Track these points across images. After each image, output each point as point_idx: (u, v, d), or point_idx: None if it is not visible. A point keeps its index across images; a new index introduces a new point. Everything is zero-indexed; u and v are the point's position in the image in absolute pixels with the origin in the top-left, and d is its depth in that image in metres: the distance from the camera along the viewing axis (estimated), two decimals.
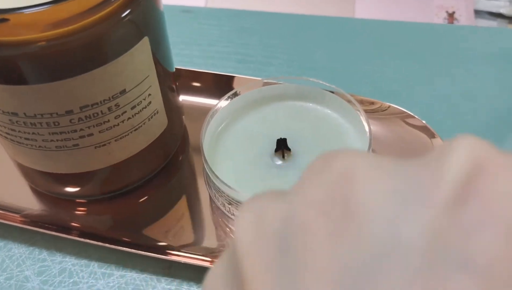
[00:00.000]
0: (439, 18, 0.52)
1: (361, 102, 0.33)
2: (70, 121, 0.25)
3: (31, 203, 0.32)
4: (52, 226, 0.31)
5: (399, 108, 0.34)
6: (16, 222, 0.31)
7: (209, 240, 0.30)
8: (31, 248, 0.30)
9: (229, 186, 0.27)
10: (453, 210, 0.11)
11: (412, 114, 0.33)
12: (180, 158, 0.34)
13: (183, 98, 0.35)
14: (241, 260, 0.13)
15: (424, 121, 0.33)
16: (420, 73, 0.39)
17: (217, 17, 0.44)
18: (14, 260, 0.30)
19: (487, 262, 0.10)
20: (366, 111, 0.30)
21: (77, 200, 0.32)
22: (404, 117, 0.34)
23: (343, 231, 0.12)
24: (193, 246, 0.30)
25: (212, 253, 0.29)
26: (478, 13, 0.53)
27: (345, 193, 0.12)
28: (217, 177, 0.27)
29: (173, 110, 0.31)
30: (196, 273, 0.29)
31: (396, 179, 0.12)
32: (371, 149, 0.28)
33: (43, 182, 0.31)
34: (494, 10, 0.49)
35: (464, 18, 0.51)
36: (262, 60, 0.40)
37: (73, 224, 0.31)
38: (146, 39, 0.26)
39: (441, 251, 0.11)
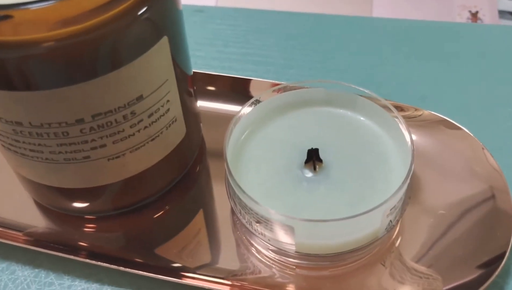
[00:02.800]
0: (462, 18, 0.50)
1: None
2: (81, 131, 0.23)
3: (36, 220, 0.29)
4: (58, 245, 0.28)
5: (435, 114, 0.31)
6: (19, 242, 0.28)
7: (231, 260, 0.27)
8: (37, 270, 0.27)
9: (257, 203, 0.24)
10: None
11: (452, 121, 0.31)
12: (197, 169, 0.31)
13: (199, 104, 0.32)
14: None
15: (466, 129, 0.30)
16: (447, 75, 0.36)
17: (232, 17, 0.41)
18: (18, 284, 0.27)
19: None
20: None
21: (86, 217, 0.29)
22: (440, 124, 0.31)
23: None
24: (212, 267, 0.27)
25: (233, 276, 0.27)
26: (500, 13, 0.50)
27: None
28: (244, 193, 0.24)
29: (191, 118, 0.28)
30: None
31: None
32: (413, 164, 0.25)
33: (49, 197, 0.28)
34: None
35: (488, 18, 0.49)
36: (282, 62, 0.37)
37: (82, 243, 0.28)
38: (165, 39, 0.23)
39: None
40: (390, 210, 0.24)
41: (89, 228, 0.29)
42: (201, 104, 0.33)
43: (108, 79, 0.21)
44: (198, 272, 0.27)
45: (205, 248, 0.28)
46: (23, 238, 0.28)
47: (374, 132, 0.28)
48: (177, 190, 0.30)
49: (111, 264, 0.27)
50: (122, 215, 0.29)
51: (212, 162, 0.32)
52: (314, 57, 0.37)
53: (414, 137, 0.29)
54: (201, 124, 0.31)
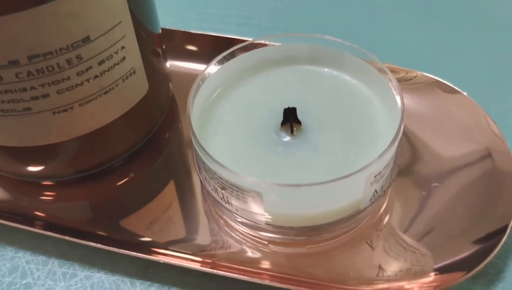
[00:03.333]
0: None
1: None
2: (17, 75, 0.20)
3: None
4: (8, 214, 0.25)
5: (430, 76, 0.28)
6: None
7: (199, 235, 0.24)
8: None
9: (221, 165, 0.21)
10: None
11: (448, 83, 0.27)
12: (167, 135, 0.28)
13: (173, 64, 0.29)
14: None
15: (465, 93, 0.27)
16: (446, 37, 0.33)
17: None
18: None
19: None
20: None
21: (43, 183, 0.26)
22: (435, 86, 0.28)
23: None
24: (180, 242, 0.24)
25: (202, 251, 0.24)
26: None
27: None
28: (207, 154, 0.21)
29: (157, 75, 0.25)
30: (181, 276, 0.23)
31: None
32: (402, 126, 0.22)
33: None
34: None
35: None
36: (267, 24, 0.34)
37: (36, 212, 0.25)
38: None
39: None
40: (375, 177, 0.21)
41: (46, 196, 0.26)
42: (175, 64, 0.30)
43: (44, 12, 0.18)
44: (162, 247, 0.24)
45: (172, 221, 0.25)
46: None
47: (362, 94, 0.25)
48: (143, 156, 0.27)
49: (58, 234, 0.24)
50: (82, 182, 0.26)
51: (185, 128, 0.29)
52: (303, 19, 0.34)
53: (406, 101, 0.26)
54: (174, 86, 0.28)
